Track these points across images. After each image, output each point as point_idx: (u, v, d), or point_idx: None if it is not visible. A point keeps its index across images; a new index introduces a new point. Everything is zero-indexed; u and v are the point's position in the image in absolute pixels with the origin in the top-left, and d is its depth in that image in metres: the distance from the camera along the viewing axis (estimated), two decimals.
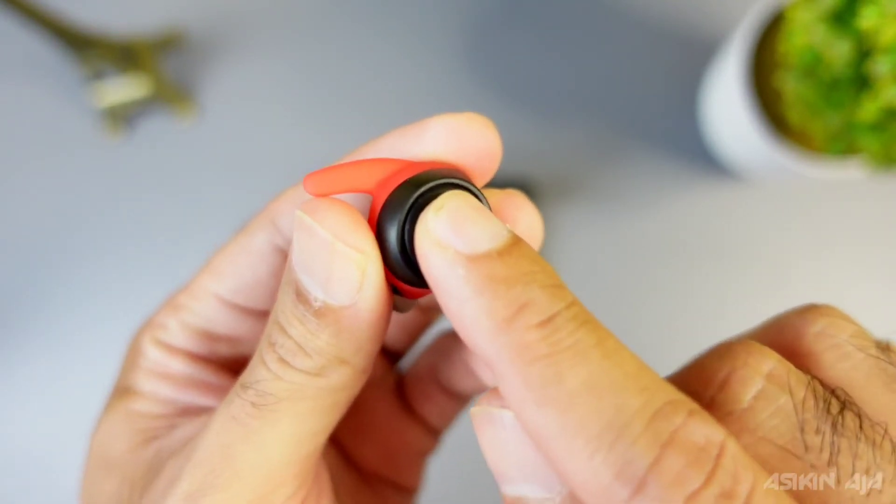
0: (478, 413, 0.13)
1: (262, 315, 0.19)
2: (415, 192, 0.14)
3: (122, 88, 0.41)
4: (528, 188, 0.42)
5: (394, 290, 0.15)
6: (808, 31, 0.30)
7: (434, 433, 0.22)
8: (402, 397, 0.22)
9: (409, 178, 0.14)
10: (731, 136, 0.39)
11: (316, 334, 0.14)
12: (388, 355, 0.23)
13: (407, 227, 0.14)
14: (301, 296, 0.14)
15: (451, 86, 0.43)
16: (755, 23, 0.35)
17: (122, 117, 0.42)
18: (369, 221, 0.15)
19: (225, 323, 0.19)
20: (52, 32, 0.37)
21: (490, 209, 0.15)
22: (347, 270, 0.14)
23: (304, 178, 0.15)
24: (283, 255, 0.18)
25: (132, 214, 0.43)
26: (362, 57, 0.44)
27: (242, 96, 0.43)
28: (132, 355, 0.19)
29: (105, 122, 0.42)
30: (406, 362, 0.23)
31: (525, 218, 0.17)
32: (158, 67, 0.42)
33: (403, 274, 0.15)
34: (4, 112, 0.43)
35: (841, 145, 0.32)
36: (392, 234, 0.14)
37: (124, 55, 0.41)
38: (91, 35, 0.40)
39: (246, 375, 0.15)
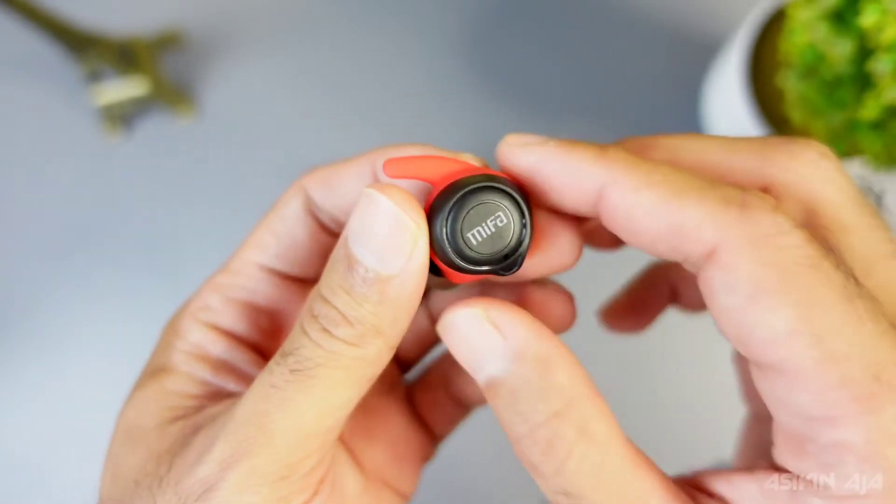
0: (446, 320, 0.17)
1: (300, 283, 0.20)
2: (462, 189, 0.17)
3: (121, 88, 0.41)
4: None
5: (434, 271, 0.17)
6: (810, 30, 0.30)
7: (435, 440, 0.23)
8: (411, 404, 0.23)
9: (463, 178, 0.17)
10: (732, 135, 0.39)
11: (361, 303, 0.16)
12: (401, 365, 0.24)
13: (451, 215, 0.16)
14: (352, 266, 0.16)
15: (451, 86, 0.43)
16: (756, 22, 0.35)
17: (121, 117, 0.42)
18: (424, 208, 0.17)
19: (267, 293, 0.20)
20: (50, 32, 0.37)
21: (531, 221, 0.17)
22: (403, 239, 0.16)
23: (385, 162, 0.17)
24: (317, 218, 0.20)
25: (131, 214, 0.43)
26: (362, 57, 0.44)
27: (242, 96, 0.43)
28: (168, 337, 0.20)
29: (104, 122, 0.42)
30: (414, 374, 0.24)
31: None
32: (157, 67, 0.42)
33: (443, 255, 0.17)
34: (3, 112, 0.43)
35: (843, 145, 0.32)
36: (438, 220, 0.17)
37: (123, 55, 0.41)
38: (90, 35, 0.40)
39: (286, 345, 0.17)
